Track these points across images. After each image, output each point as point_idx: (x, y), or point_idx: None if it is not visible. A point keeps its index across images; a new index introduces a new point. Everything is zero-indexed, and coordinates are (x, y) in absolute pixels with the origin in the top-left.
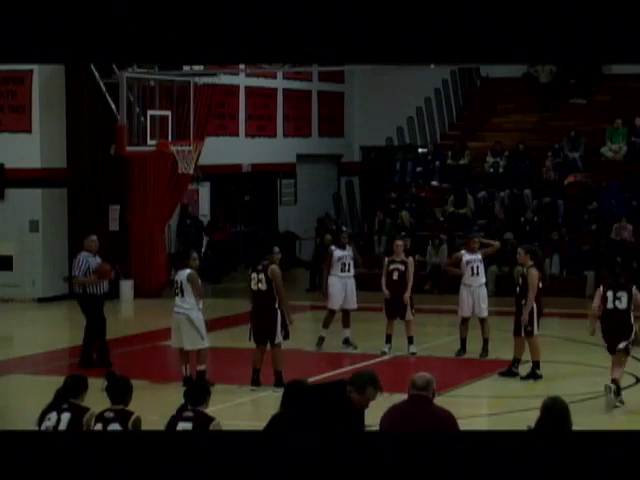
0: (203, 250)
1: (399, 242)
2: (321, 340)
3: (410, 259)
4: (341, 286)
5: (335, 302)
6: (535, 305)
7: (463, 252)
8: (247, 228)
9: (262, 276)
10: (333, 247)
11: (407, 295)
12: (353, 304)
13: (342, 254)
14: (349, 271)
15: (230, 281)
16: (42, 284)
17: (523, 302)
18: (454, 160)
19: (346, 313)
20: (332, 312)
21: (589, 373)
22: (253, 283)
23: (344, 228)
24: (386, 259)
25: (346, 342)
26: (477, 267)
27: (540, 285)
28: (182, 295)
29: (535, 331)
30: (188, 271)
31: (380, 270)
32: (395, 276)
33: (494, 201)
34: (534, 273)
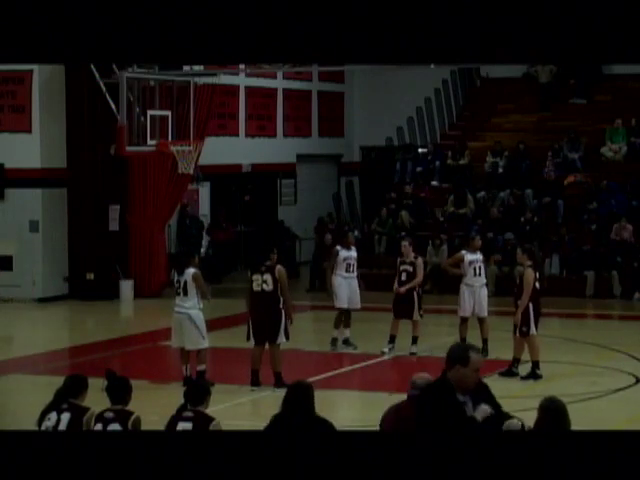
0: (204, 250)
1: (404, 243)
2: (335, 341)
3: (419, 260)
4: (346, 285)
5: (343, 301)
6: (532, 305)
7: (464, 252)
8: (247, 228)
9: (267, 277)
10: (339, 247)
11: (403, 289)
12: (357, 304)
13: (348, 254)
14: (353, 272)
15: (230, 281)
16: (42, 284)
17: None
18: (454, 160)
19: (347, 313)
20: (342, 312)
21: (589, 373)
22: (256, 284)
23: (354, 231)
24: (398, 260)
25: (346, 342)
26: (479, 267)
27: (537, 286)
28: (185, 294)
29: (532, 331)
30: (193, 270)
31: (381, 270)
32: (404, 277)
33: (494, 201)
34: (529, 274)
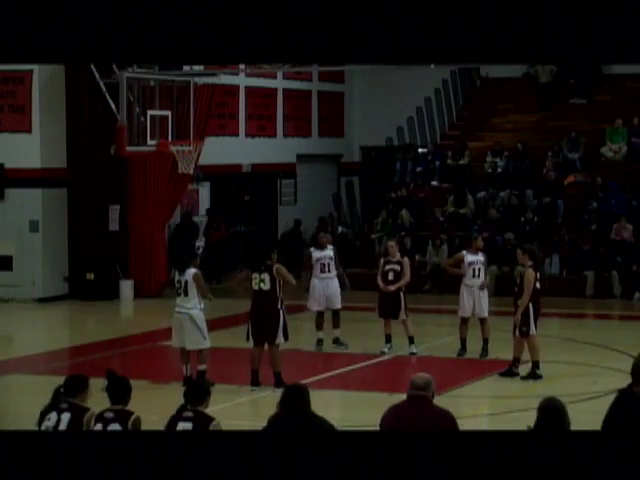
0: (198, 252)
1: (391, 243)
2: (320, 342)
3: (405, 259)
4: (322, 287)
5: (316, 304)
6: (532, 305)
7: (465, 252)
8: (247, 228)
9: (265, 276)
10: (312, 248)
11: (393, 287)
12: (337, 304)
13: (320, 255)
14: (329, 272)
15: (230, 281)
16: (42, 284)
17: (519, 302)
18: (454, 160)
19: (335, 313)
20: (319, 313)
21: (589, 373)
22: (254, 283)
23: (340, 229)
24: (382, 259)
25: (336, 342)
26: (479, 269)
27: (538, 286)
28: (185, 295)
29: (532, 331)
30: (194, 271)
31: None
32: (391, 276)
33: (494, 201)
34: (530, 274)
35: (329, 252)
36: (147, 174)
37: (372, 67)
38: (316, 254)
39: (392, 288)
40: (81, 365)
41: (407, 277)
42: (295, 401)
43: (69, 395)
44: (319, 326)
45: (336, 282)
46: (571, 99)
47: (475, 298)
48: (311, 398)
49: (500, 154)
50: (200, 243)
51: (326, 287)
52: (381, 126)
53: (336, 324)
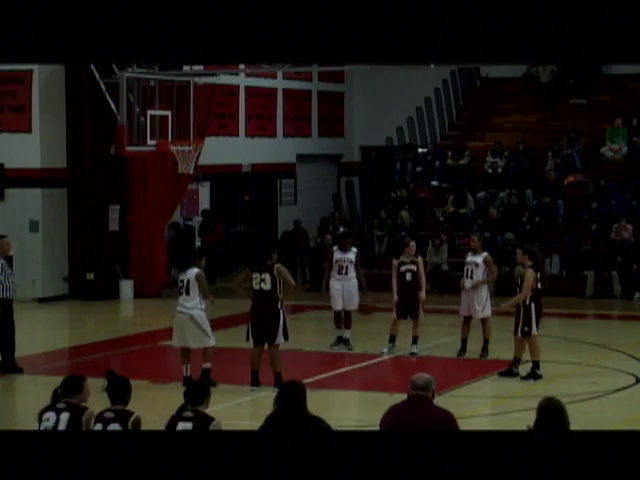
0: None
1: (413, 243)
2: (340, 339)
3: (420, 258)
4: (339, 287)
5: (336, 303)
6: (533, 306)
7: (469, 253)
8: (247, 228)
9: (265, 275)
10: (335, 248)
11: (423, 295)
12: (352, 305)
13: (341, 257)
14: (346, 274)
15: (230, 281)
16: (42, 284)
17: (521, 302)
18: (454, 160)
19: (347, 314)
20: (337, 313)
21: (589, 373)
22: (255, 283)
23: (342, 229)
24: (395, 261)
25: (345, 342)
26: (471, 270)
27: (539, 286)
28: (187, 294)
29: (534, 331)
30: (196, 270)
31: (381, 270)
32: (408, 277)
33: (494, 201)
34: (529, 274)
35: (351, 255)
36: (147, 174)
37: (372, 67)
38: (337, 255)
39: (423, 296)
40: (81, 365)
41: (423, 277)
42: (291, 396)
43: (66, 396)
44: (338, 324)
45: (353, 283)
46: (571, 99)
47: (470, 298)
48: (311, 398)
49: (500, 154)
50: (197, 243)
51: (342, 288)
52: (381, 126)
53: (348, 324)
